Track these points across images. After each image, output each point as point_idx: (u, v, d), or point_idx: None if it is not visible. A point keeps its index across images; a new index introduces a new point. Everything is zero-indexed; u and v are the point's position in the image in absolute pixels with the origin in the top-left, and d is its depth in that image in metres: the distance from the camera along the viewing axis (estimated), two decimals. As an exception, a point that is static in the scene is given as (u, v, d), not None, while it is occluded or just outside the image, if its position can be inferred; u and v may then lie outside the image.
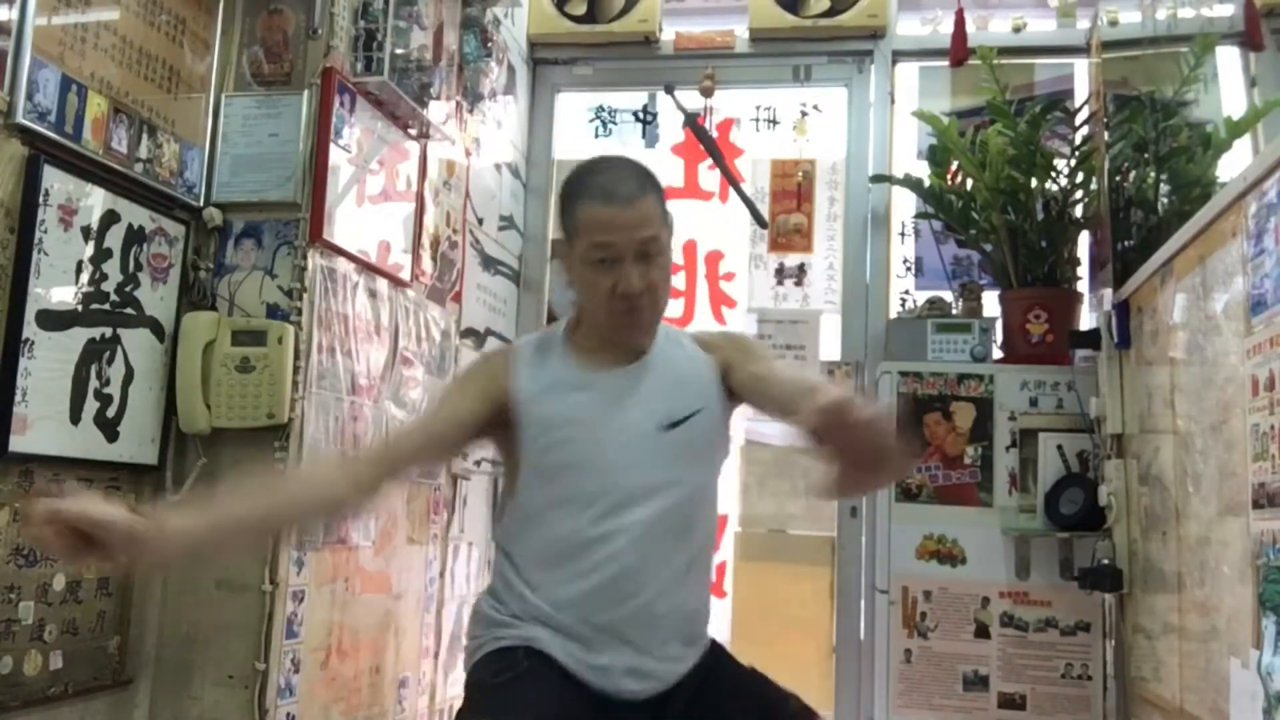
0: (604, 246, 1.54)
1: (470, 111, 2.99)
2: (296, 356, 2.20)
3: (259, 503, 1.52)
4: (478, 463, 3.15)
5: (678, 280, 3.50)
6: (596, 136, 3.67)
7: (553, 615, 1.55)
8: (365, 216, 2.45)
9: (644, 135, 3.64)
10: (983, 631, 2.78)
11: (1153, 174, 2.90)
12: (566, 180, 1.65)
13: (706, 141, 3.32)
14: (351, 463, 1.71)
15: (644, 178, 1.60)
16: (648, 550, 1.56)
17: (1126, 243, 2.84)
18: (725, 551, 3.36)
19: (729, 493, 3.34)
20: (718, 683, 1.63)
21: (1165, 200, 2.88)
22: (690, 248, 3.53)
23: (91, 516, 1.28)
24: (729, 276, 3.51)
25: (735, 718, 1.61)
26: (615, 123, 3.68)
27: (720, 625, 2.86)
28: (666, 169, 3.57)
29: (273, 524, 1.61)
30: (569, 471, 1.59)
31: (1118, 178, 2.95)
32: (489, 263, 3.27)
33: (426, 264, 2.78)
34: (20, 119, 1.80)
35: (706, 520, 1.67)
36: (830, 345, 3.40)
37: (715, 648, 1.69)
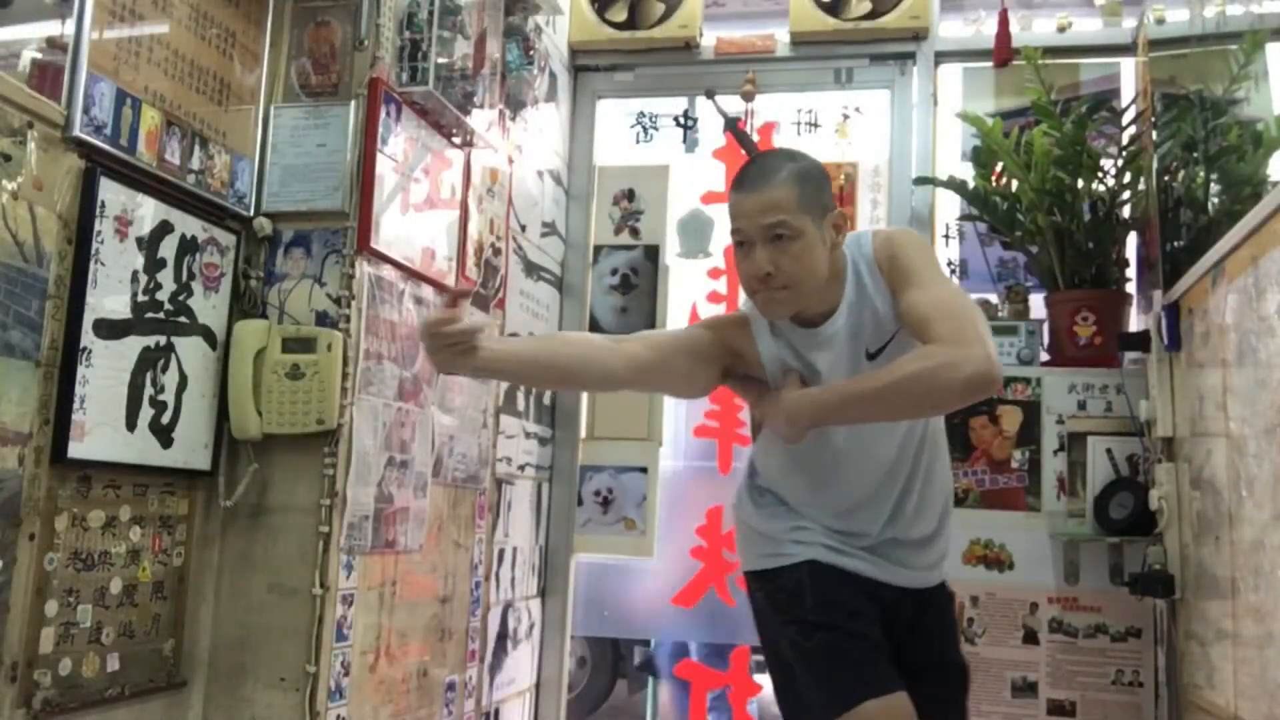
0: (736, 232, 1.71)
1: (513, 119, 3.02)
2: (345, 363, 2.23)
3: (557, 356, 1.76)
4: (521, 468, 3.18)
5: (720, 284, 3.51)
6: (638, 142, 3.69)
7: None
8: (411, 224, 2.47)
9: (685, 140, 3.64)
10: (1031, 637, 2.76)
11: (1202, 173, 2.86)
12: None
13: (748, 145, 3.32)
14: (629, 344, 1.81)
15: (783, 167, 1.71)
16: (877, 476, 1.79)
17: (1176, 243, 2.80)
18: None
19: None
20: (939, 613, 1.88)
21: (1215, 200, 2.84)
22: (731, 252, 3.52)
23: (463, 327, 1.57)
24: (771, 280, 3.50)
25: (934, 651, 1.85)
26: (656, 128, 3.69)
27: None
28: (707, 174, 3.58)
29: (561, 377, 1.88)
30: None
31: (1166, 177, 2.91)
32: (531, 269, 3.29)
33: (471, 270, 2.80)
34: (78, 132, 1.84)
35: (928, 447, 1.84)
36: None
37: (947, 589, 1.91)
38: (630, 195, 3.61)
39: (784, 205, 1.67)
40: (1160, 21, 3.21)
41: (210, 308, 2.20)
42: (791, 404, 1.71)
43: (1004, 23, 3.19)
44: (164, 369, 2.07)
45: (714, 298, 3.51)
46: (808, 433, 1.72)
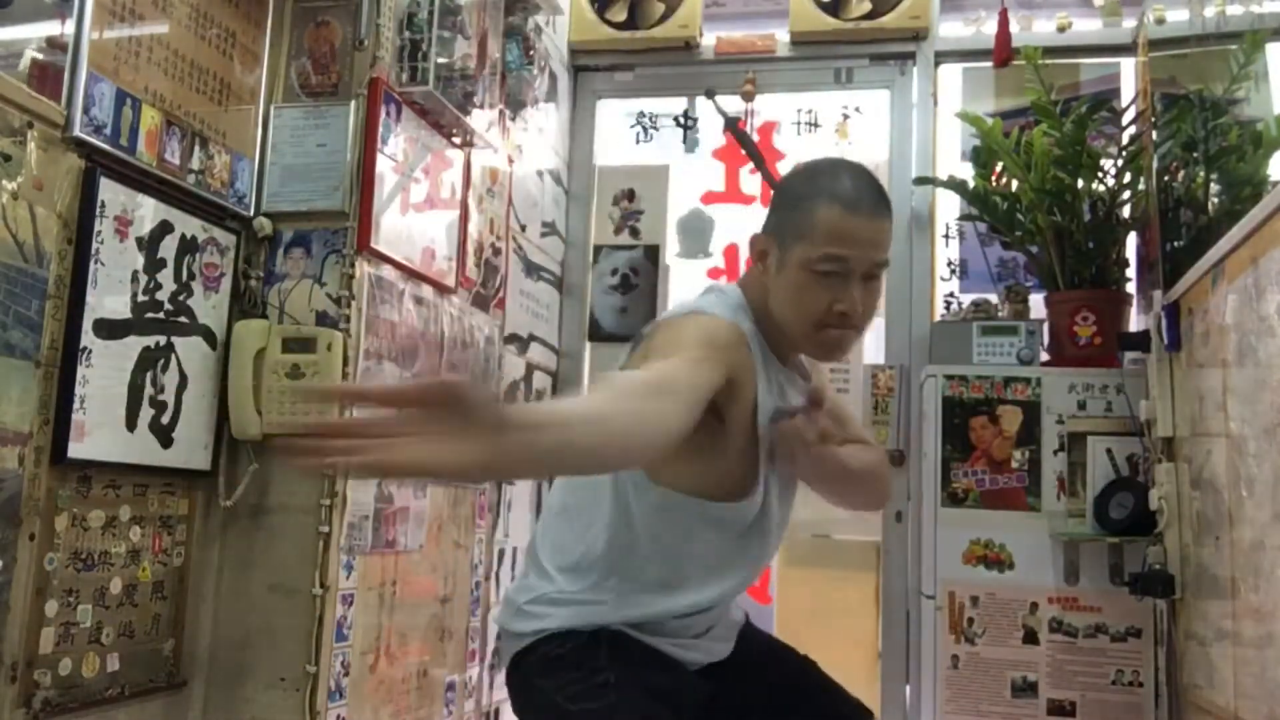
0: (837, 260, 1.42)
1: (513, 119, 3.02)
2: (345, 363, 2.23)
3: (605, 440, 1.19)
4: (522, 468, 3.17)
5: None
6: (638, 142, 3.69)
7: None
8: (410, 224, 2.47)
9: (685, 140, 3.64)
10: (1031, 637, 2.76)
11: (1202, 173, 2.85)
12: (803, 174, 1.53)
13: (748, 145, 3.32)
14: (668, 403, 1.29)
15: (885, 194, 1.49)
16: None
17: (1176, 243, 2.80)
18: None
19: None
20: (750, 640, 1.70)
21: (1215, 200, 2.84)
22: (732, 252, 3.53)
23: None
24: (771, 281, 3.50)
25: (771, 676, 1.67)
26: (656, 128, 3.69)
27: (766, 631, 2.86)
28: (707, 174, 3.58)
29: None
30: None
31: (1166, 177, 2.91)
32: (532, 269, 3.29)
33: (471, 270, 2.80)
34: (78, 132, 1.84)
35: None
36: (874, 349, 3.38)
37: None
38: (630, 195, 3.61)
39: (889, 243, 1.47)
40: (1160, 21, 3.21)
41: (210, 308, 2.20)
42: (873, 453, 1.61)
43: (1004, 23, 3.19)
44: (164, 369, 2.07)
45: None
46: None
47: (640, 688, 1.45)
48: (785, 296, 1.47)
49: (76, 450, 1.85)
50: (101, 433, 1.91)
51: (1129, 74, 3.30)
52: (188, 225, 2.13)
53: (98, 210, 1.89)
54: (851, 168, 1.51)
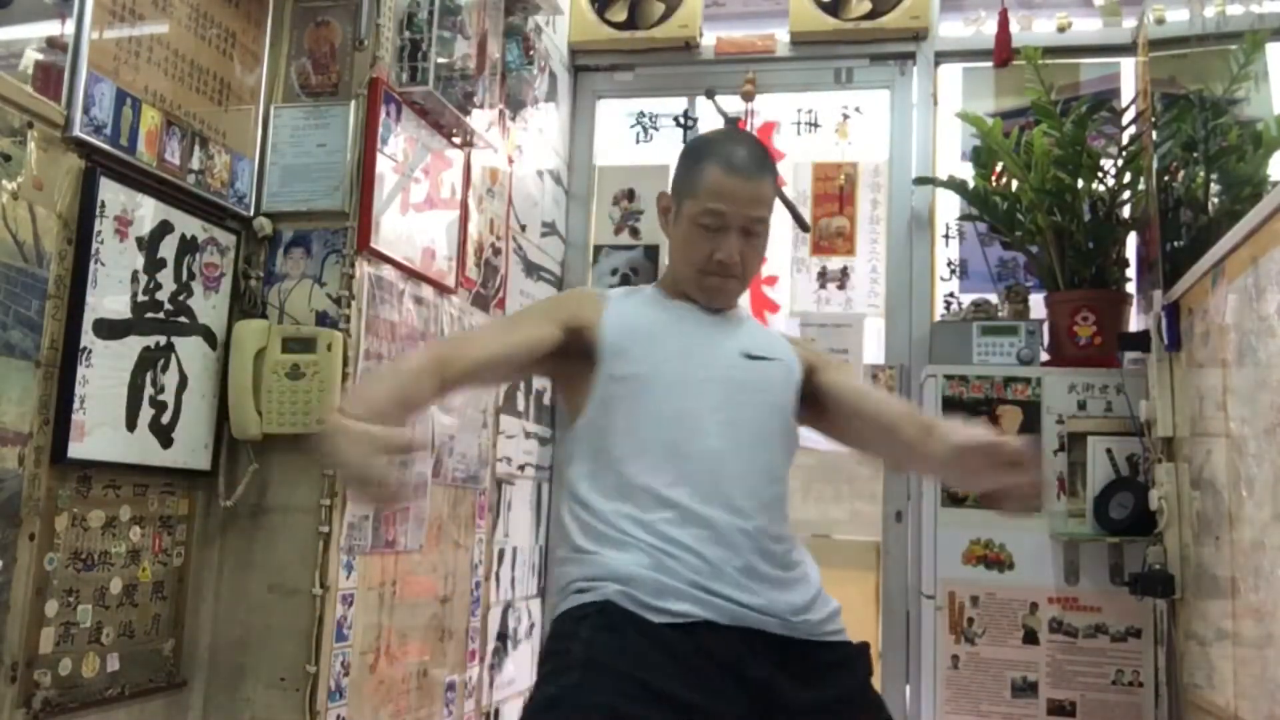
0: (716, 214, 1.60)
1: (513, 119, 3.01)
2: (345, 363, 2.23)
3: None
4: (521, 468, 3.18)
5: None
6: (638, 142, 3.69)
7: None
8: (411, 224, 2.47)
9: (685, 140, 3.64)
10: (1031, 637, 2.76)
11: (1202, 173, 2.85)
12: (696, 142, 1.75)
13: (748, 146, 3.31)
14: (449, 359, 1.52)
15: (768, 160, 1.67)
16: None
17: (1175, 243, 2.80)
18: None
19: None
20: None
21: (1215, 200, 2.84)
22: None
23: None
24: (771, 280, 3.50)
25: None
26: (656, 128, 3.69)
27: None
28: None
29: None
30: (646, 385, 1.57)
31: (1166, 177, 2.91)
32: (531, 269, 3.29)
33: (471, 270, 2.80)
34: (77, 132, 1.84)
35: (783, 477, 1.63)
36: (874, 349, 3.38)
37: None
38: (630, 195, 3.62)
39: (768, 202, 1.64)
40: (1160, 21, 3.21)
41: (210, 308, 2.20)
42: None
43: (1004, 23, 3.19)
44: (164, 369, 2.07)
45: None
46: None
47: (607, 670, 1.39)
48: (676, 246, 1.68)
49: (76, 450, 1.85)
50: (101, 433, 1.91)
51: (1129, 74, 3.30)
52: (188, 225, 2.13)
53: (98, 210, 1.89)
54: (741, 136, 1.76)
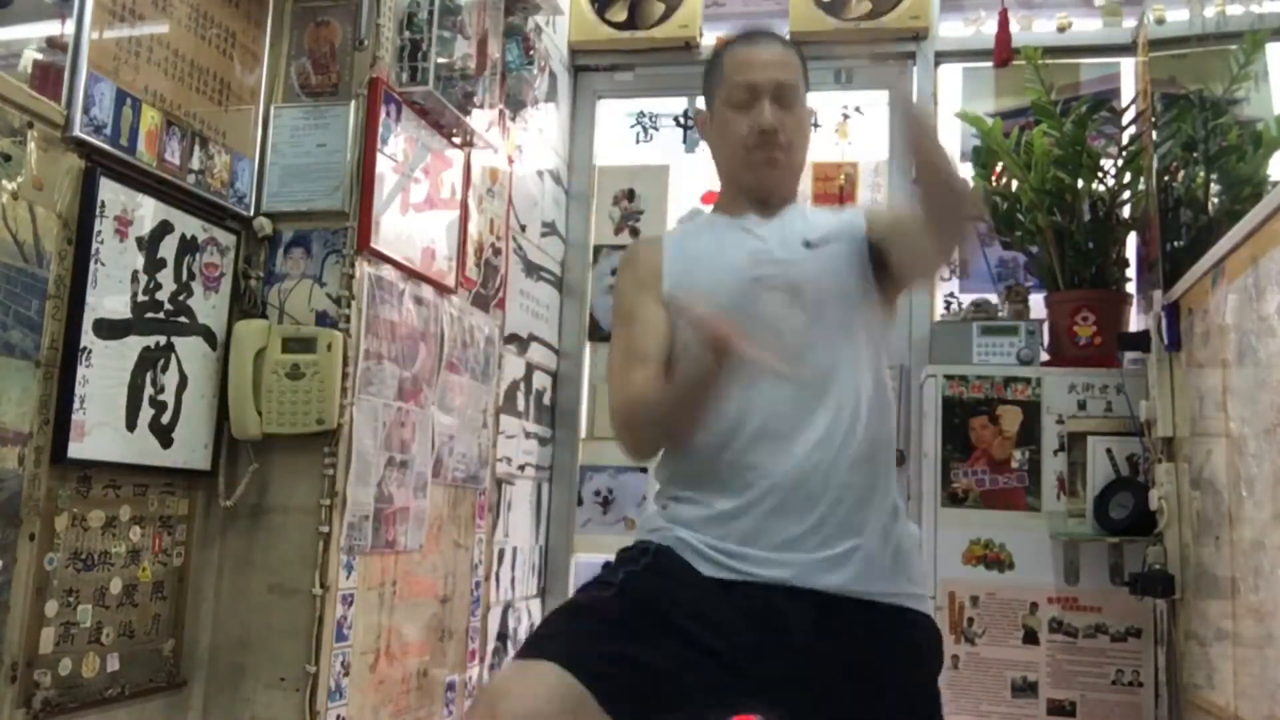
0: (744, 87, 1.60)
1: (513, 119, 3.01)
2: (345, 363, 2.23)
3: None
4: (521, 468, 3.18)
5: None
6: (638, 142, 3.69)
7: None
8: (410, 224, 2.47)
9: (685, 140, 3.64)
10: (1031, 637, 2.76)
11: (1202, 173, 2.86)
12: (715, 50, 1.74)
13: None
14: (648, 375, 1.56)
15: (782, 36, 1.71)
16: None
17: (1176, 243, 2.80)
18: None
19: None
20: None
21: (1215, 200, 2.84)
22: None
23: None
24: (771, 280, 3.50)
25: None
26: (656, 128, 3.69)
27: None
28: (707, 174, 3.58)
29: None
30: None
31: (1166, 177, 2.91)
32: (532, 269, 3.29)
33: (471, 270, 2.80)
34: (77, 132, 1.84)
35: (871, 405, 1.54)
36: (874, 349, 3.38)
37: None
38: (630, 195, 3.62)
39: (796, 71, 1.63)
40: (1160, 21, 3.22)
41: (210, 308, 2.20)
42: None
43: (1004, 23, 3.19)
44: (164, 369, 2.07)
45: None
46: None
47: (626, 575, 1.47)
48: (720, 142, 1.67)
49: (76, 450, 1.84)
50: (101, 433, 1.90)
51: (1129, 74, 3.30)
52: (188, 225, 2.13)
53: (98, 210, 1.88)
54: (747, 28, 1.75)
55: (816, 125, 3.53)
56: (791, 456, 1.47)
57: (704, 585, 1.43)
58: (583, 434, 3.49)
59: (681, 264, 1.63)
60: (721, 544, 1.46)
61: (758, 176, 1.64)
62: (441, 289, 2.63)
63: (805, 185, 3.50)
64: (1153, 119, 2.88)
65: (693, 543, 1.47)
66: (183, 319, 2.12)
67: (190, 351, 2.14)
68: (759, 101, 1.59)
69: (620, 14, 3.58)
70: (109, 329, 1.92)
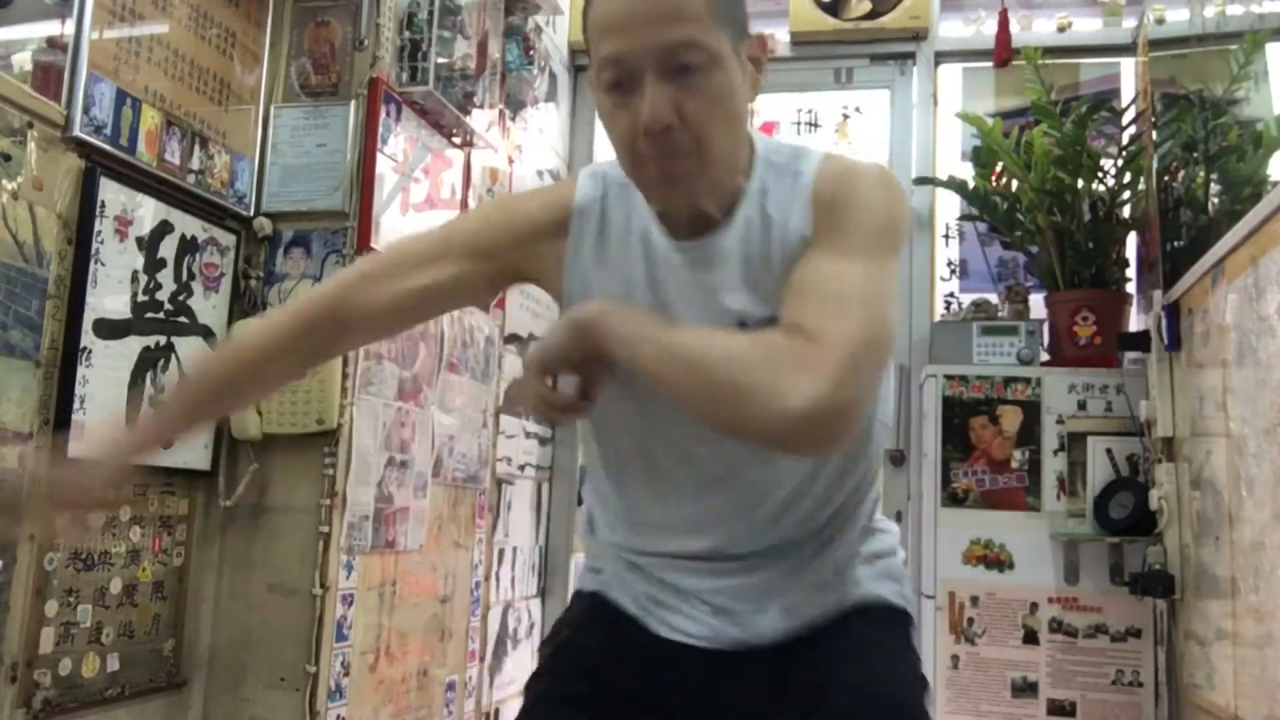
0: (614, 62, 1.06)
1: (513, 119, 3.01)
2: (345, 363, 2.22)
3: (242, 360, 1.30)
4: (521, 468, 3.18)
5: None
6: (638, 142, 3.68)
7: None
8: (410, 224, 2.47)
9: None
10: (1031, 637, 2.76)
11: (1202, 173, 2.86)
12: None
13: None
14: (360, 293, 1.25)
15: None
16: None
17: (1176, 243, 2.80)
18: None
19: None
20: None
21: (1215, 200, 2.84)
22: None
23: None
24: (771, 280, 3.50)
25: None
26: (656, 128, 3.68)
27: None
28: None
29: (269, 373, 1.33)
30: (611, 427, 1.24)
31: (1166, 178, 2.91)
32: (532, 269, 3.29)
33: (471, 271, 2.80)
34: (78, 132, 1.84)
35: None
36: (874, 349, 3.38)
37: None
38: (630, 195, 3.60)
39: (690, 12, 1.04)
40: (1160, 21, 3.21)
41: (210, 308, 2.20)
42: (591, 309, 1.10)
43: (1004, 23, 3.19)
44: (164, 369, 2.07)
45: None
46: (572, 359, 1.09)
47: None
48: (608, 136, 1.16)
49: (76, 450, 1.84)
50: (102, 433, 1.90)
51: (1129, 74, 3.30)
52: (188, 225, 2.13)
53: (98, 210, 1.88)
54: None
55: (815, 125, 3.55)
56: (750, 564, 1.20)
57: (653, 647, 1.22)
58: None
59: (580, 290, 1.20)
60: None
61: (660, 198, 1.16)
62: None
63: (805, 185, 3.50)
64: (1153, 119, 2.88)
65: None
66: (183, 319, 2.12)
67: (190, 351, 2.14)
68: (639, 84, 1.06)
69: (620, 14, 3.57)
70: (109, 329, 1.92)
